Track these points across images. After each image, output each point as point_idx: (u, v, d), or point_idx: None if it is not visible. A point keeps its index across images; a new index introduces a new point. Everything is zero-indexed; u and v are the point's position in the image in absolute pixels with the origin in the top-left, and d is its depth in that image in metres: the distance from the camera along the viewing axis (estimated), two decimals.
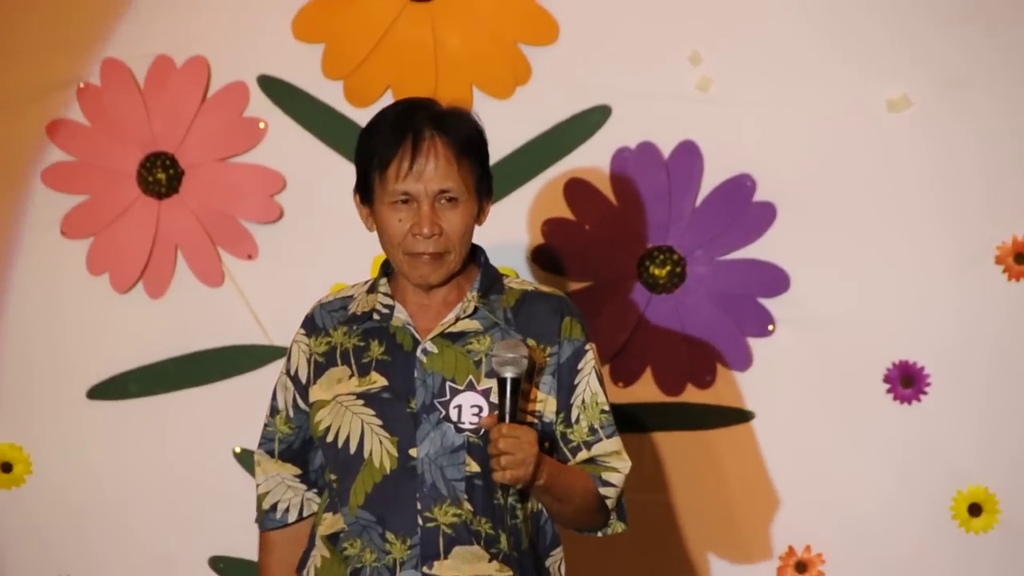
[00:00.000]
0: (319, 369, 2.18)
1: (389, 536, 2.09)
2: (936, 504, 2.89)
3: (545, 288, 2.23)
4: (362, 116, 2.91)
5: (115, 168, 2.96)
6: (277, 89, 2.95)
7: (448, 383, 2.12)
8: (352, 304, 2.21)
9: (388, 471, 2.07)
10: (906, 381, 2.90)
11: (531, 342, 2.14)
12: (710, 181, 2.90)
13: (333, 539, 2.15)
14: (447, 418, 2.09)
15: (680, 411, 2.97)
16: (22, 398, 3.05)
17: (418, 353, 2.10)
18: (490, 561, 2.11)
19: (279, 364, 2.74)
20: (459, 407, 2.14)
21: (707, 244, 2.93)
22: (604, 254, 2.94)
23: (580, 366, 2.13)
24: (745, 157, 2.89)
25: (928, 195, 2.89)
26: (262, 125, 2.94)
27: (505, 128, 2.82)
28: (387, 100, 2.91)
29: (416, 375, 2.09)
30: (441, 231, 2.09)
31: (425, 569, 2.08)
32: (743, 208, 2.92)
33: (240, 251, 2.97)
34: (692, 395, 2.96)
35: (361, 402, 2.09)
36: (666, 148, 2.89)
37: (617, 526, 2.15)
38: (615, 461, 2.13)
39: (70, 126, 2.97)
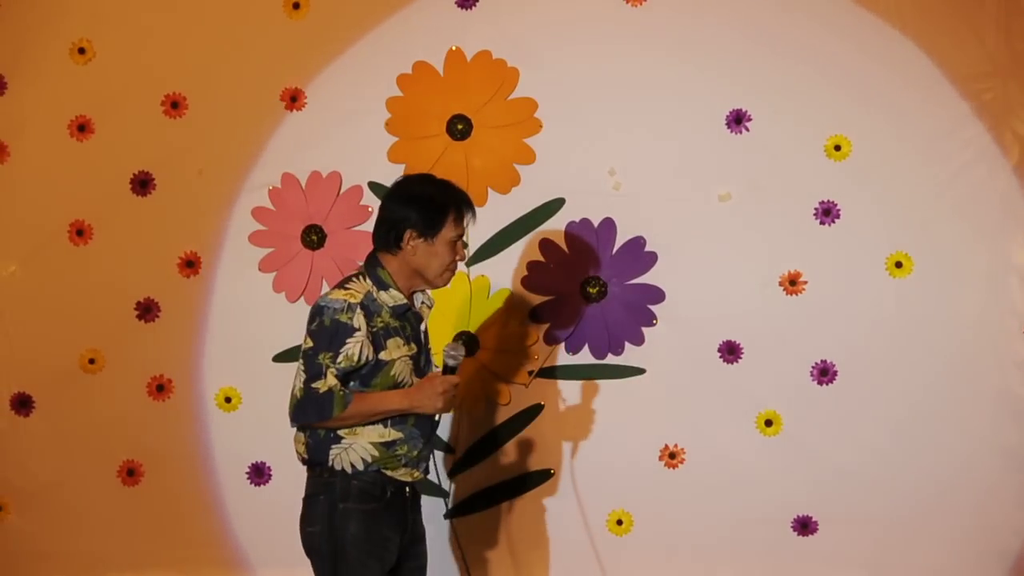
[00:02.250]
0: (381, 338, 2.96)
1: (422, 443, 3.06)
2: (746, 419, 3.99)
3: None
4: None
5: (289, 233, 4.10)
6: (379, 189, 4.05)
7: (429, 346, 3.12)
8: (378, 299, 2.98)
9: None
10: (730, 351, 4.01)
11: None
12: (620, 240, 4.01)
13: (388, 445, 2.98)
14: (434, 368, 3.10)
15: (604, 368, 4.04)
16: (237, 361, 4.13)
17: (421, 328, 3.09)
18: None
19: None
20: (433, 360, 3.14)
21: (619, 275, 4.02)
22: (562, 280, 4.04)
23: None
24: (639, 227, 4.00)
25: (740, 248, 3.97)
26: (370, 209, 4.04)
27: (506, 210, 4.05)
28: None
29: (422, 342, 3.09)
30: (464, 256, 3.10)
31: (429, 461, 3.12)
32: (638, 255, 4.01)
33: None
34: (611, 359, 4.03)
35: (412, 362, 3.04)
36: (596, 221, 4.02)
37: None
38: None
39: (265, 210, 4.13)
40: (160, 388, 4.23)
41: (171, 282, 4.19)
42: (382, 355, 2.99)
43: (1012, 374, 3.96)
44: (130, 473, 4.25)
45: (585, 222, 4.09)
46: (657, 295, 4.09)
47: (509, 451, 4.14)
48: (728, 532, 4.05)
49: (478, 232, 4.11)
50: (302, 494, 3.79)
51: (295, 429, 3.11)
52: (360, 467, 2.99)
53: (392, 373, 3.02)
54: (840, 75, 3.98)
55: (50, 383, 4.25)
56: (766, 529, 4.03)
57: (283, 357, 4.18)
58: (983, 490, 3.97)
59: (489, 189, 4.11)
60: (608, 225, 4.08)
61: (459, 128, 4.09)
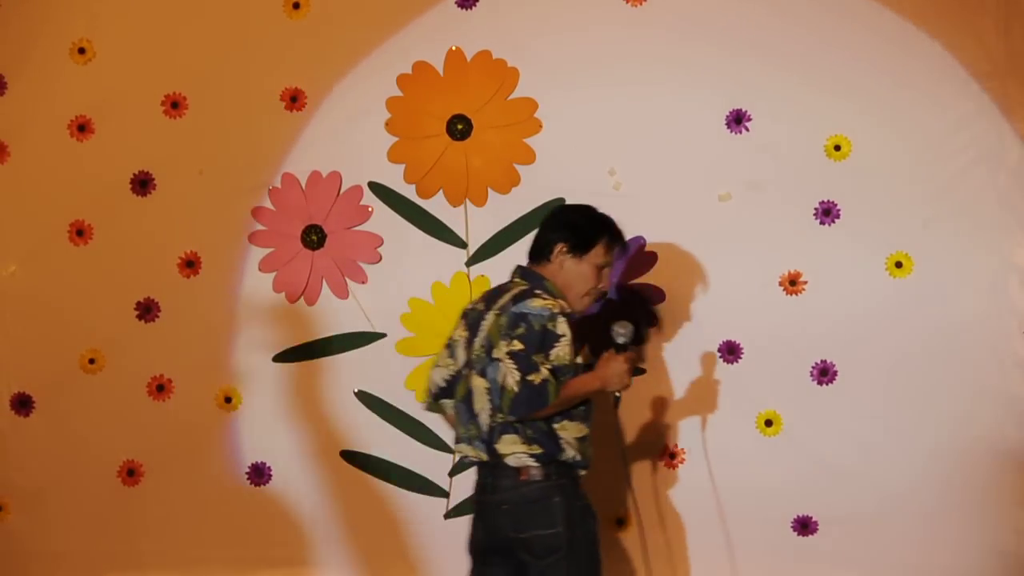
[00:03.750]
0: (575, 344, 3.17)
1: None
2: (747, 419, 4.00)
3: None
4: (426, 204, 4.08)
5: (289, 233, 4.12)
6: (379, 189, 4.10)
7: None
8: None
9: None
10: (730, 351, 4.03)
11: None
12: None
13: (581, 439, 3.20)
14: None
15: None
16: (237, 361, 4.12)
17: None
18: None
19: (381, 342, 4.04)
20: None
21: (621, 275, 3.98)
22: None
23: None
24: (640, 226, 3.95)
25: (740, 248, 3.97)
26: (370, 209, 4.10)
27: (505, 210, 4.06)
28: (440, 196, 4.07)
29: None
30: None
31: None
32: (638, 255, 4.01)
33: (357, 279, 4.12)
34: None
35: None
36: None
37: None
38: None
39: (265, 210, 4.14)
40: (160, 388, 4.24)
41: (171, 282, 4.20)
42: (579, 359, 3.23)
43: (1012, 374, 3.97)
44: (130, 473, 4.27)
45: None
46: (657, 295, 4.10)
47: None
48: (728, 532, 4.06)
49: (478, 232, 4.16)
50: (302, 494, 4.09)
51: (496, 435, 3.18)
52: (579, 459, 3.18)
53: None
54: (840, 75, 3.99)
55: (50, 383, 4.26)
56: (766, 529, 4.05)
57: (283, 357, 4.21)
58: (983, 490, 3.97)
59: (489, 189, 4.14)
60: None
61: (459, 128, 4.11)
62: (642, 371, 3.88)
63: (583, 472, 3.26)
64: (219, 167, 4.18)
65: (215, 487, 4.21)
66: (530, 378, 3.06)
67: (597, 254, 3.18)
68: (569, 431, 3.18)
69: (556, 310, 3.13)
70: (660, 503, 4.11)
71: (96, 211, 4.23)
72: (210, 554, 4.21)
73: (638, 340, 3.14)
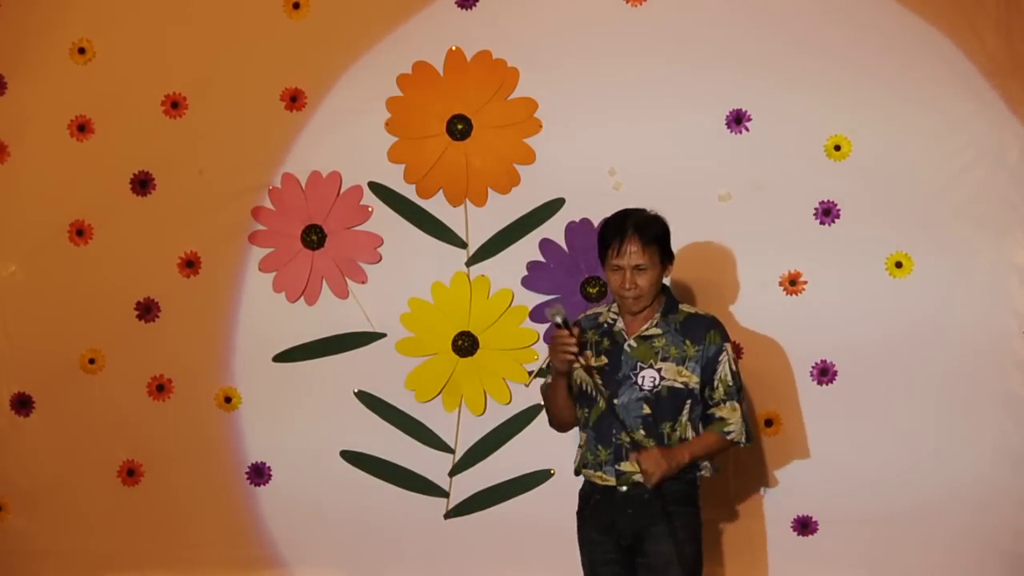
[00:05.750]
0: (582, 348, 3.25)
1: (600, 447, 3.24)
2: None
3: (702, 312, 3.35)
4: (426, 204, 4.11)
5: (289, 233, 4.15)
6: (379, 189, 4.14)
7: (639, 363, 3.24)
8: (600, 317, 3.34)
9: (603, 409, 3.21)
10: (734, 350, 3.83)
11: (688, 342, 3.22)
12: None
13: (581, 447, 3.30)
14: (635, 383, 3.23)
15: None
16: (237, 361, 4.15)
17: (625, 346, 3.29)
18: None
19: (381, 342, 4.05)
20: (643, 377, 3.23)
21: None
22: (561, 280, 4.09)
23: (719, 359, 3.25)
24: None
25: (740, 248, 4.00)
26: (370, 209, 4.13)
27: (505, 210, 4.08)
28: (440, 196, 4.10)
29: (622, 358, 3.26)
30: (636, 286, 3.23)
31: (616, 466, 3.22)
32: None
33: (357, 279, 4.15)
34: None
35: (597, 372, 3.24)
36: (596, 221, 3.94)
37: (745, 444, 3.26)
38: (730, 416, 3.21)
39: (264, 210, 4.17)
40: (160, 388, 4.26)
41: (171, 282, 4.23)
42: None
43: (1012, 374, 3.98)
44: (130, 473, 4.28)
45: (585, 222, 4.11)
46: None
47: (509, 451, 4.16)
48: (728, 532, 4.06)
49: (478, 232, 4.18)
50: (302, 494, 4.13)
51: None
52: (577, 470, 3.35)
53: (575, 379, 3.32)
54: (840, 75, 4.00)
55: (50, 383, 4.28)
56: (766, 529, 4.05)
57: (283, 357, 4.23)
58: (983, 490, 3.98)
59: (489, 189, 4.17)
60: None
61: (459, 128, 4.13)
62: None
63: (589, 476, 3.38)
64: (219, 167, 4.20)
65: (215, 487, 4.23)
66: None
67: (608, 260, 3.29)
68: (580, 439, 3.37)
69: (581, 316, 3.42)
70: None
71: (96, 211, 4.25)
72: (210, 554, 4.23)
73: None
